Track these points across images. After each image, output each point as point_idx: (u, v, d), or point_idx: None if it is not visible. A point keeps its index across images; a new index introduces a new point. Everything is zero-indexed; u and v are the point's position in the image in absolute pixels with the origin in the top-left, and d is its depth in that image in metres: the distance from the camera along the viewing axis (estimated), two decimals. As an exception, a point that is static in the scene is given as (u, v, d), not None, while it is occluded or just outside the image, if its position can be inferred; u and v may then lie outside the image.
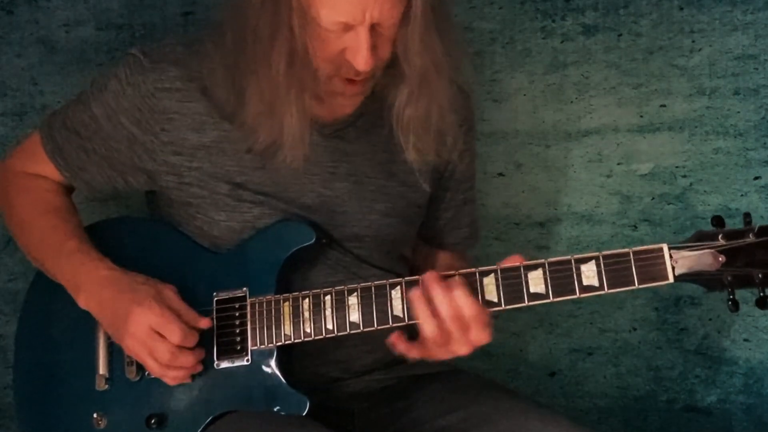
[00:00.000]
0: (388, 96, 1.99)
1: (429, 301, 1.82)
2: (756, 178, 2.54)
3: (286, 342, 1.95)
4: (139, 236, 2.13)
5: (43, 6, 2.49)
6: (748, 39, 2.51)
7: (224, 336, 1.98)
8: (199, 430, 1.97)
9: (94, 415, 2.03)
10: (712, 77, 2.52)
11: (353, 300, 1.91)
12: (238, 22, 1.92)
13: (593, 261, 1.80)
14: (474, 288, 1.84)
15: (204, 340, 1.96)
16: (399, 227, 2.14)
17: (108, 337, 2.03)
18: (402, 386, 2.11)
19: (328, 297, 1.93)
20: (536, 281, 1.82)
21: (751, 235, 1.73)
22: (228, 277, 2.01)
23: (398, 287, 1.89)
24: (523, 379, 2.68)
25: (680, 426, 2.66)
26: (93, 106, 2.04)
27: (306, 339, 1.94)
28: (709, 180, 2.56)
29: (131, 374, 2.01)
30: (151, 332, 1.90)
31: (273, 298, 1.97)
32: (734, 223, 1.79)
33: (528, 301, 1.83)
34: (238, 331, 1.98)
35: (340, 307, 1.92)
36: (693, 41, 2.52)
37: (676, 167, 2.56)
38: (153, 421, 1.98)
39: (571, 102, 2.57)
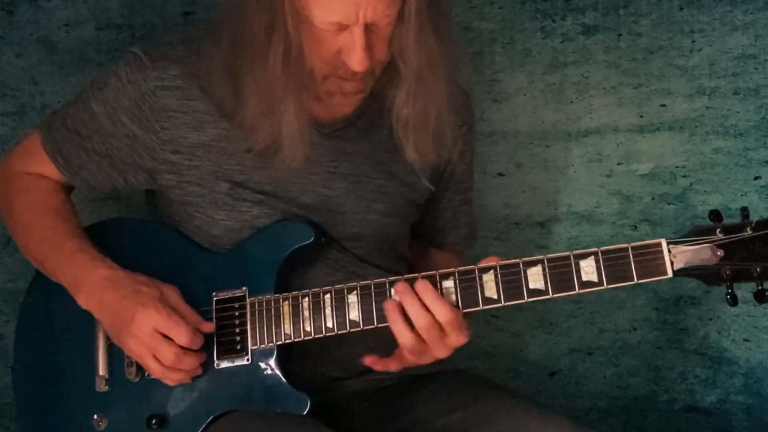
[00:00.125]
0: (387, 95, 1.99)
1: (403, 313, 1.84)
2: (756, 178, 2.54)
3: (286, 341, 1.95)
4: (139, 236, 2.13)
5: (43, 6, 2.49)
6: (748, 39, 2.51)
7: (224, 336, 1.98)
8: (200, 430, 1.97)
9: (95, 416, 2.03)
10: (712, 77, 2.52)
11: (353, 298, 1.91)
12: (234, 22, 1.92)
13: (592, 257, 1.80)
14: (473, 285, 1.85)
15: (204, 339, 1.96)
16: (398, 227, 2.15)
17: (108, 338, 2.02)
18: (402, 386, 2.10)
19: (327, 296, 1.93)
20: (535, 277, 1.82)
21: (748, 229, 1.73)
22: (227, 276, 2.01)
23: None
24: (523, 379, 2.68)
25: (680, 426, 2.66)
26: (93, 104, 2.04)
27: (306, 338, 1.94)
28: (709, 180, 2.56)
29: (131, 375, 2.01)
30: (154, 334, 1.90)
31: (272, 298, 1.97)
32: (732, 220, 1.79)
33: (527, 297, 1.83)
34: (237, 330, 1.98)
35: (340, 305, 1.92)
36: (693, 41, 2.52)
37: (676, 167, 2.56)
38: (153, 421, 1.98)
39: (571, 102, 2.57)
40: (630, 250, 1.79)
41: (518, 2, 2.55)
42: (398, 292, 1.85)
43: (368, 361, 1.92)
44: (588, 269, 1.80)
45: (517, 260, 1.84)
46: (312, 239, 1.99)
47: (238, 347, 1.97)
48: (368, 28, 1.84)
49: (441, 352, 1.88)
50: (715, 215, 1.78)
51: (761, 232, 1.72)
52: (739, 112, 2.53)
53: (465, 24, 2.55)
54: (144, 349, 1.92)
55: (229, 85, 1.95)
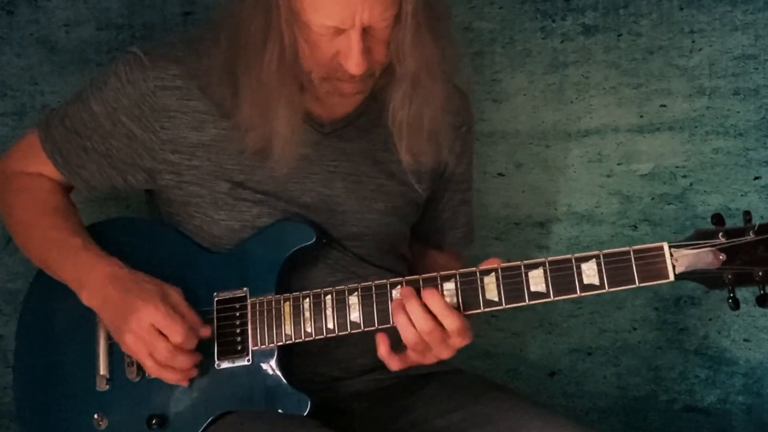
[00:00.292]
0: (386, 96, 1.99)
1: (407, 315, 1.85)
2: (756, 178, 2.54)
3: (287, 342, 1.95)
4: (139, 236, 2.13)
5: (43, 6, 2.49)
6: (748, 39, 2.50)
7: (225, 336, 1.98)
8: (200, 430, 1.97)
9: (95, 416, 2.03)
10: (712, 77, 2.52)
11: (354, 299, 1.91)
12: (232, 23, 1.92)
13: (594, 260, 1.81)
14: (474, 287, 1.85)
15: (205, 339, 1.96)
16: (398, 226, 2.15)
17: (108, 338, 2.03)
18: (402, 386, 2.10)
19: (328, 297, 1.93)
20: (537, 280, 1.82)
21: (751, 233, 1.73)
22: (228, 277, 2.01)
23: (399, 286, 1.89)
24: (523, 379, 2.68)
25: (680, 426, 2.66)
26: (92, 104, 2.04)
27: (307, 339, 1.94)
28: (709, 180, 2.55)
29: (132, 375, 2.01)
30: (151, 330, 1.90)
31: (273, 298, 1.97)
32: (734, 223, 1.79)
33: (529, 300, 1.83)
34: (238, 331, 1.98)
35: (341, 306, 1.92)
36: (693, 41, 2.52)
37: (676, 167, 2.56)
38: (154, 421, 1.99)
39: (571, 102, 2.57)
40: (632, 253, 1.79)
41: (518, 2, 2.54)
42: (403, 296, 1.86)
43: (379, 337, 1.89)
44: (589, 272, 1.80)
45: (519, 263, 1.84)
46: (313, 240, 1.99)
47: (239, 347, 1.97)
48: (366, 31, 1.84)
49: (444, 353, 1.88)
50: (718, 219, 1.78)
51: (764, 236, 1.73)
52: (739, 112, 2.53)
53: (465, 24, 2.54)
54: (140, 345, 1.92)
55: (228, 85, 1.95)
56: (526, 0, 2.54)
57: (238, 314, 1.98)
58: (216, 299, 2.00)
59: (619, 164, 2.58)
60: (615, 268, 1.79)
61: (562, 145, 2.59)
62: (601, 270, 1.80)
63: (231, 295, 1.99)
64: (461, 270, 1.87)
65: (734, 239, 1.75)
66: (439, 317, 1.83)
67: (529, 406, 1.97)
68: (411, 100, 1.95)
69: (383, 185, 2.10)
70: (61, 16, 2.49)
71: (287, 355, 1.97)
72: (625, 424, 2.68)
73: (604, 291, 1.80)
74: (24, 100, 2.51)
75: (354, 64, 1.85)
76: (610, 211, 2.60)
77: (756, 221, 1.76)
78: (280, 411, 1.94)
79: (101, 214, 2.37)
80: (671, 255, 1.77)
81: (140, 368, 2.00)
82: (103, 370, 2.03)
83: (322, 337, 1.93)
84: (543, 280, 1.82)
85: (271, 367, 1.96)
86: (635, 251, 1.79)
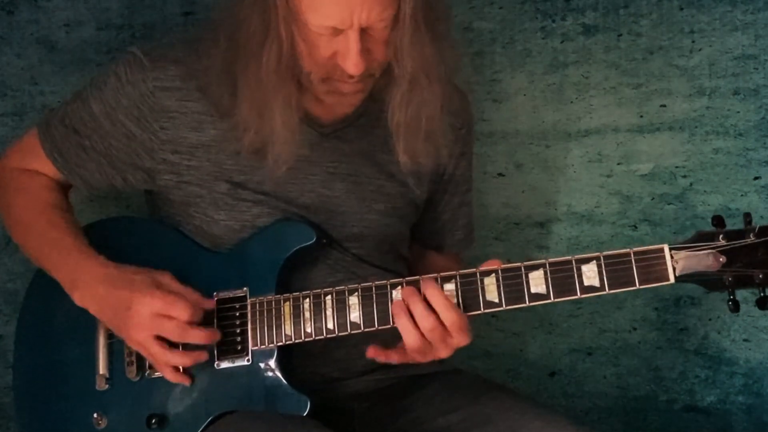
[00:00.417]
0: (385, 97, 1.99)
1: (410, 314, 1.85)
2: (756, 178, 2.54)
3: (287, 342, 1.95)
4: (139, 236, 2.13)
5: (43, 6, 2.49)
6: (748, 39, 2.50)
7: (225, 336, 1.97)
8: (200, 430, 1.97)
9: (94, 415, 2.03)
10: (712, 77, 2.52)
11: (354, 300, 1.92)
12: (231, 24, 1.92)
13: (594, 261, 1.81)
14: (474, 288, 1.85)
15: (210, 310, 1.97)
16: (398, 227, 2.15)
17: (108, 337, 2.03)
18: (402, 386, 2.11)
19: (328, 297, 1.93)
20: (537, 281, 1.83)
21: (751, 236, 1.74)
22: (228, 277, 2.01)
23: (399, 287, 1.89)
24: (523, 379, 2.68)
25: (680, 426, 2.66)
26: (92, 103, 2.04)
27: (306, 339, 1.94)
28: (709, 180, 2.56)
29: (131, 374, 2.01)
30: (154, 318, 1.90)
31: (273, 298, 1.97)
32: (734, 223, 1.80)
33: (529, 302, 1.84)
34: (238, 331, 1.98)
35: (341, 307, 1.92)
36: (693, 41, 2.52)
37: (676, 167, 2.56)
38: (153, 421, 1.99)
39: (571, 102, 2.57)
40: (632, 255, 1.79)
41: (518, 2, 2.54)
42: (405, 294, 1.86)
43: (371, 352, 1.92)
44: (590, 274, 1.81)
45: (519, 264, 1.84)
46: (313, 240, 1.99)
47: (239, 347, 1.97)
48: (364, 32, 1.84)
49: (443, 353, 1.89)
50: (718, 220, 1.78)
51: (764, 239, 1.73)
52: (739, 112, 2.53)
53: (465, 24, 2.54)
54: (146, 336, 1.91)
55: (227, 85, 1.95)
56: (526, 0, 2.54)
57: (238, 314, 1.98)
58: (216, 299, 1.99)
59: (619, 164, 2.58)
60: (615, 270, 1.79)
61: (562, 145, 2.59)
62: (602, 272, 1.80)
63: (231, 295, 1.99)
64: (461, 271, 1.87)
65: (734, 241, 1.75)
66: (438, 311, 1.84)
67: (529, 406, 1.97)
68: (409, 101, 1.95)
69: (383, 186, 2.10)
70: (61, 16, 2.49)
71: (287, 355, 1.97)
72: (625, 424, 2.68)
73: (604, 293, 1.80)
74: (24, 100, 2.51)
75: (352, 65, 1.84)
76: (610, 211, 2.60)
77: (756, 223, 1.76)
78: (279, 411, 1.94)
79: (101, 214, 2.37)
80: (671, 257, 1.77)
81: (140, 368, 2.00)
82: (102, 369, 2.03)
83: (322, 337, 1.93)
84: (543, 281, 1.83)
85: (270, 367, 1.96)
86: (635, 253, 1.79)
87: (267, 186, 2.01)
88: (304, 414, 1.93)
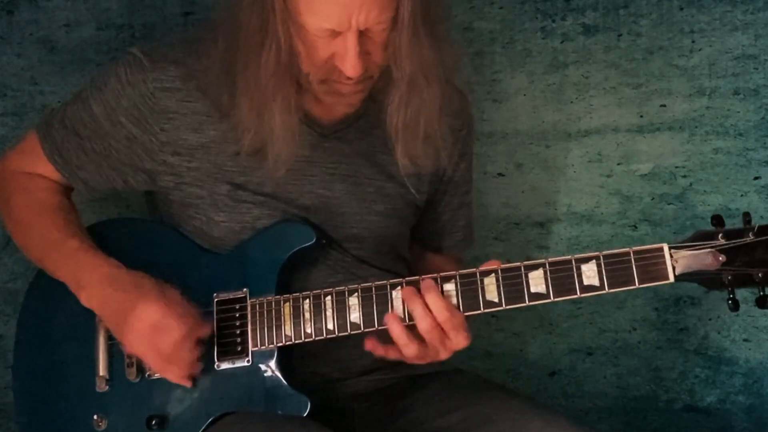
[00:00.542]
0: (384, 99, 1.99)
1: (407, 320, 1.87)
2: (756, 178, 2.54)
3: (287, 343, 1.95)
4: (139, 237, 2.13)
5: (43, 6, 2.49)
6: (748, 39, 2.50)
7: (225, 337, 1.97)
8: (200, 430, 1.96)
9: (95, 417, 2.03)
10: (712, 77, 2.52)
11: (354, 300, 1.91)
12: (230, 25, 1.92)
13: (594, 261, 1.81)
14: (474, 288, 1.85)
15: (204, 340, 1.96)
16: (398, 228, 2.15)
17: (108, 338, 2.03)
18: (402, 386, 2.11)
19: (328, 298, 1.93)
20: (537, 281, 1.83)
21: (750, 235, 1.74)
22: (228, 277, 2.01)
23: (399, 288, 1.89)
24: (523, 379, 2.68)
25: (680, 426, 2.66)
26: (92, 105, 2.04)
27: (306, 340, 1.94)
28: (709, 180, 2.56)
29: (131, 375, 2.01)
30: (153, 327, 1.90)
31: (273, 299, 1.97)
32: (734, 223, 1.80)
33: (529, 301, 1.84)
34: (238, 332, 1.98)
35: (341, 307, 1.92)
36: (693, 41, 2.52)
37: (676, 167, 2.56)
38: (153, 422, 1.98)
39: (571, 102, 2.57)
40: (632, 254, 1.80)
41: (518, 2, 2.54)
42: (405, 294, 1.86)
43: (369, 345, 1.92)
44: (589, 273, 1.81)
45: (519, 264, 1.84)
46: (313, 241, 1.99)
47: (239, 348, 1.97)
48: (363, 34, 1.83)
49: (441, 355, 1.89)
50: (717, 220, 1.78)
51: (763, 238, 1.73)
52: (739, 112, 2.53)
53: (465, 24, 2.54)
54: (143, 343, 1.91)
55: (226, 85, 1.95)
56: (526, 0, 2.54)
57: (238, 315, 1.98)
58: (216, 300, 1.99)
59: (619, 164, 2.58)
60: (615, 269, 1.80)
61: (562, 145, 2.59)
62: (601, 271, 1.80)
63: (231, 296, 1.99)
64: (461, 271, 1.87)
65: (734, 240, 1.75)
66: (432, 307, 1.85)
67: (529, 406, 1.97)
68: (407, 103, 1.95)
69: (383, 187, 2.10)
70: (61, 16, 2.49)
71: (287, 356, 1.97)
72: (625, 424, 2.68)
73: (604, 292, 1.80)
74: (24, 100, 2.51)
75: (350, 67, 1.84)
76: (610, 211, 2.60)
77: (756, 222, 1.76)
78: (279, 412, 1.94)
79: (101, 214, 2.37)
80: (671, 256, 1.77)
81: (140, 369, 2.00)
82: (102, 370, 2.03)
83: (322, 338, 1.93)
84: (543, 281, 1.83)
85: (270, 368, 1.96)
86: (635, 252, 1.80)
87: (267, 187, 2.01)
88: (304, 414, 1.93)
